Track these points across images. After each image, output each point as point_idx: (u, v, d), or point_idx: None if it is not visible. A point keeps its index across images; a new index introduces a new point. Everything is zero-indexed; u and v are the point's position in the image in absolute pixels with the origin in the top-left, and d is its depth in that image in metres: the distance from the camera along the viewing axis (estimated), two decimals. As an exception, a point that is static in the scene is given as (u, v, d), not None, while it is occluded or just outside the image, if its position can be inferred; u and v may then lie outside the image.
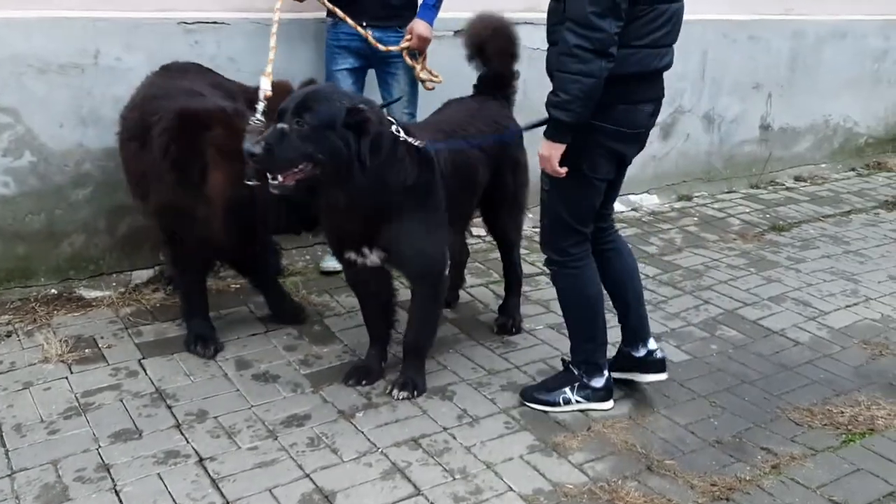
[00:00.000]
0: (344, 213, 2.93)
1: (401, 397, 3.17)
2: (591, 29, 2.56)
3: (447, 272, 3.18)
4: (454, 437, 2.96)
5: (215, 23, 4.00)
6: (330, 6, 3.91)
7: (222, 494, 2.60)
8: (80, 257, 3.94)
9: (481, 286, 4.26)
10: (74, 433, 2.89)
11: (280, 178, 2.72)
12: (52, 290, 3.85)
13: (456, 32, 4.26)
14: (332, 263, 4.23)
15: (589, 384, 3.14)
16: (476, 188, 3.34)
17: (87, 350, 3.42)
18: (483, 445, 2.92)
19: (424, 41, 3.99)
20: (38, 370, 3.26)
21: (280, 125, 2.71)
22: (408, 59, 4.04)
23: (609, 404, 3.18)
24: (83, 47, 3.72)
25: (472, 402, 3.19)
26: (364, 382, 3.26)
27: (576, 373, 3.14)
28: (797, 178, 6.56)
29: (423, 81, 4.09)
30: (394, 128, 2.89)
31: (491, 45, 3.58)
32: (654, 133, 5.70)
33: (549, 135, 2.76)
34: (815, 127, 6.75)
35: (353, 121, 2.72)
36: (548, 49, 2.87)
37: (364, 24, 3.96)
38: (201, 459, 2.77)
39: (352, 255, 3.07)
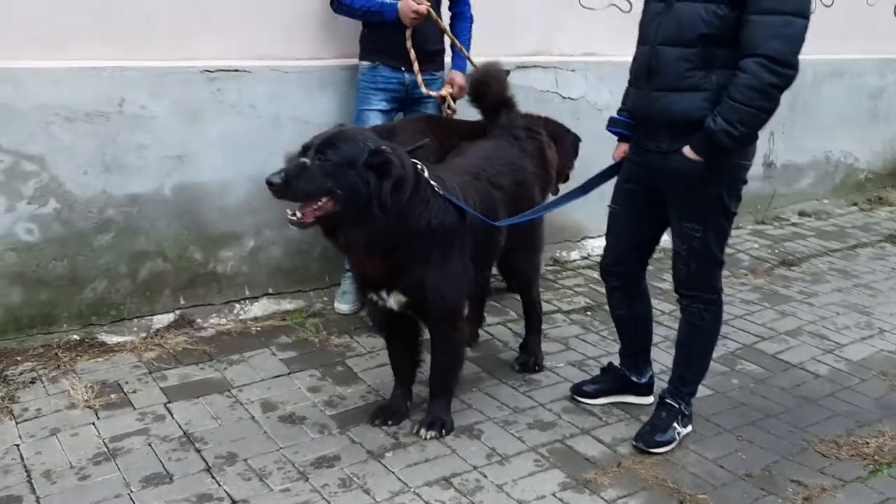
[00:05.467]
0: (365, 254, 2.96)
1: (429, 437, 3.17)
2: (790, 67, 2.67)
3: (465, 313, 3.22)
4: (485, 476, 2.96)
5: (237, 70, 4.08)
6: (412, 57, 4.09)
7: (258, 537, 2.60)
8: (102, 303, 3.95)
9: (499, 325, 4.29)
10: (105, 478, 2.88)
11: (299, 213, 2.77)
12: (75, 336, 3.86)
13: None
14: (345, 306, 4.28)
15: (687, 413, 3.22)
16: (502, 230, 3.38)
17: (112, 395, 3.42)
18: (515, 484, 2.92)
19: (463, 89, 4.20)
20: (64, 416, 3.26)
21: (302, 159, 2.77)
22: (450, 104, 4.25)
23: (691, 426, 3.27)
24: (109, 96, 3.78)
25: (501, 441, 3.19)
26: (390, 423, 3.27)
27: (677, 405, 3.20)
28: (801, 214, 6.64)
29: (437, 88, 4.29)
30: (420, 168, 2.95)
31: (490, 94, 3.68)
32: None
33: (703, 154, 2.79)
34: (816, 163, 6.86)
35: (376, 162, 2.77)
36: (652, 93, 2.91)
37: (402, 68, 4.12)
38: (234, 502, 2.77)
39: (373, 296, 3.11)
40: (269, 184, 2.73)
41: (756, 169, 6.43)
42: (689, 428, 3.28)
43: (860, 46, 6.79)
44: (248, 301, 4.33)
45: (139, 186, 3.93)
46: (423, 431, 3.19)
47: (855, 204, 7.03)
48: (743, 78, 2.69)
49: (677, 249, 3.08)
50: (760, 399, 3.61)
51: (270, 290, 4.40)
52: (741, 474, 3.03)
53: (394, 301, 3.08)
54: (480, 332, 4.12)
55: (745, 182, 3.00)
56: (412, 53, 4.08)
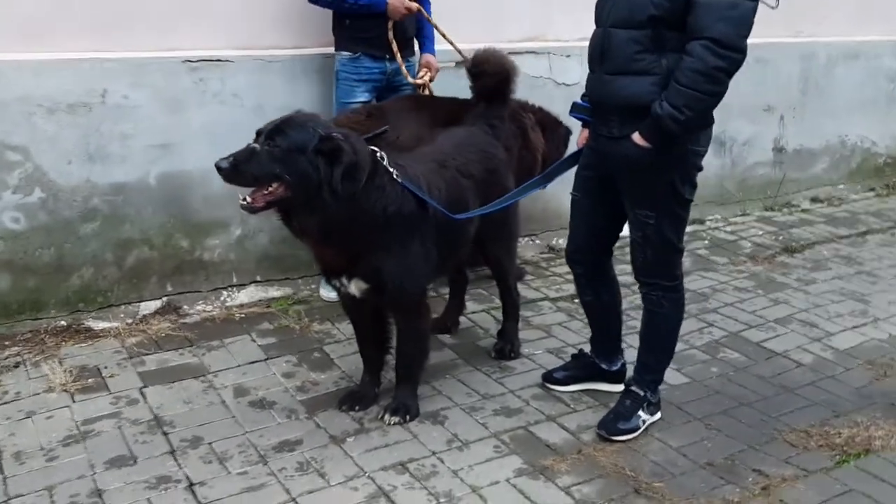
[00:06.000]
0: (319, 241, 2.97)
1: (392, 422, 3.19)
2: (735, 51, 2.62)
3: (426, 300, 3.23)
4: (442, 462, 2.97)
5: (219, 60, 4.13)
6: (395, 48, 4.12)
7: (208, 518, 2.65)
8: (88, 289, 4.04)
9: (482, 312, 4.28)
10: (71, 460, 2.96)
11: (249, 198, 2.80)
12: (62, 322, 3.96)
13: (457, 63, 4.36)
14: (331, 294, 4.30)
15: (653, 401, 3.19)
16: (472, 219, 3.36)
17: (90, 380, 3.51)
18: (471, 469, 2.93)
19: (438, 71, 4.28)
20: (41, 399, 3.35)
21: (252, 144, 2.79)
22: (428, 89, 4.27)
23: (659, 414, 3.24)
24: (91, 87, 3.86)
25: (464, 427, 3.20)
26: (357, 408, 3.29)
27: (642, 393, 3.17)
28: (814, 200, 6.49)
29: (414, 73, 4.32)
30: (378, 155, 2.95)
31: (492, 77, 3.63)
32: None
33: (652, 140, 2.75)
34: (830, 148, 6.68)
35: (326, 148, 2.77)
36: (604, 76, 2.88)
37: (387, 56, 4.14)
38: (191, 484, 2.82)
39: (335, 282, 3.13)
40: (218, 168, 2.77)
41: (765, 154, 6.37)
42: (657, 416, 3.25)
43: (877, 27, 6.59)
44: (235, 288, 4.39)
45: (124, 175, 4.01)
46: (387, 417, 3.21)
47: (872, 189, 6.84)
48: (688, 61, 2.64)
49: (633, 237, 3.04)
50: (737, 387, 3.55)
51: (258, 278, 4.45)
52: (702, 463, 2.99)
53: (355, 287, 3.09)
54: (462, 319, 4.13)
55: (699, 168, 2.95)
56: (394, 45, 4.09)
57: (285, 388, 3.49)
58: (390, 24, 4.07)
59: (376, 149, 2.99)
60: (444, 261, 3.26)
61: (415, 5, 4.03)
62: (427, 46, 4.35)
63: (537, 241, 5.32)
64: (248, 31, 4.22)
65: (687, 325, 4.10)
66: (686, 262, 5.04)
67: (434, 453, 3.02)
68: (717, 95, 2.70)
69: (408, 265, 3.05)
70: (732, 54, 2.62)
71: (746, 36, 2.64)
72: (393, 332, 3.34)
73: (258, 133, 2.84)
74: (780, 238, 5.57)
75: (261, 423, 3.22)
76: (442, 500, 2.75)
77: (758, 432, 3.19)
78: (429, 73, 4.25)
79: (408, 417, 3.21)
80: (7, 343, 3.78)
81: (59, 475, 2.86)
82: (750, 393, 3.50)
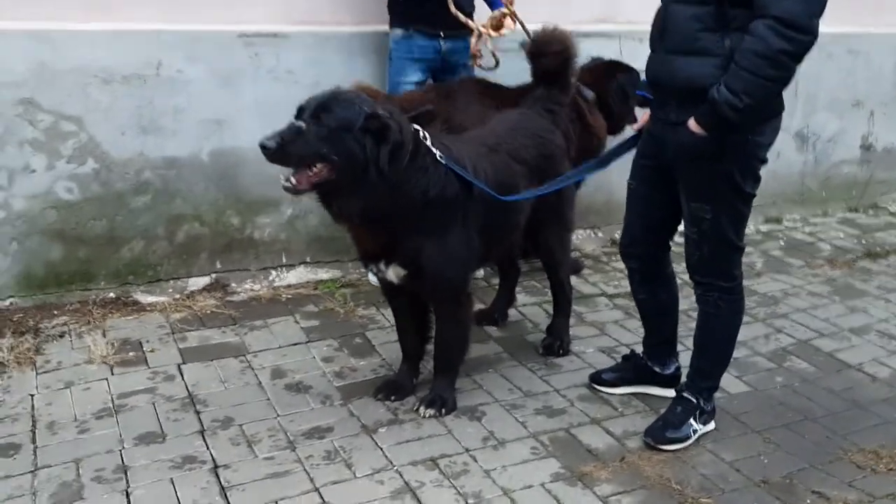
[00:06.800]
0: (360, 224, 2.85)
1: (427, 415, 3.06)
2: (803, 32, 2.36)
3: (468, 289, 3.08)
4: (475, 460, 2.82)
5: (275, 35, 4.05)
6: (459, 14, 3.89)
7: (228, 503, 2.57)
8: (138, 263, 4.04)
9: (534, 305, 4.11)
10: (103, 433, 2.93)
11: (294, 179, 2.68)
12: (111, 294, 3.97)
13: (521, 44, 4.17)
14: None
15: (706, 409, 2.99)
16: (520, 205, 3.20)
17: (131, 353, 3.49)
18: (504, 470, 2.77)
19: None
20: (81, 371, 3.34)
21: (297, 122, 2.66)
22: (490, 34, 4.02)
23: (713, 423, 3.04)
24: (146, 59, 3.83)
25: (502, 425, 3.04)
26: (393, 398, 3.18)
27: (694, 401, 2.96)
28: (903, 202, 6.07)
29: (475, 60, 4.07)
30: (421, 135, 2.81)
31: (553, 58, 3.45)
32: (739, 151, 5.46)
33: (707, 127, 2.53)
34: (925, 148, 6.22)
35: (373, 126, 2.65)
36: (664, 56, 2.66)
37: (441, 34, 3.99)
38: (216, 466, 2.75)
39: (373, 268, 3.01)
40: (263, 147, 2.64)
41: (852, 151, 5.98)
42: (711, 426, 3.03)
43: None
44: (284, 268, 4.33)
45: (176, 149, 3.98)
46: (422, 409, 3.08)
47: (972, 194, 6.34)
48: (750, 42, 2.39)
49: (688, 232, 2.81)
50: (802, 400, 3.29)
51: (308, 259, 4.38)
52: (757, 480, 2.76)
53: (393, 273, 2.97)
54: (512, 311, 3.96)
55: (762, 161, 2.69)
56: (461, 16, 3.90)
57: (323, 372, 3.40)
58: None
59: (419, 128, 2.85)
60: (488, 249, 3.10)
61: None
62: (496, 4, 4.10)
63: (599, 235, 5.11)
64: (305, 5, 4.13)
65: (753, 330, 3.90)
66: (758, 262, 4.82)
67: (467, 450, 2.88)
68: (781, 81, 2.45)
69: (448, 251, 2.91)
70: (799, 35, 2.35)
71: (817, 15, 2.38)
72: (433, 320, 3.21)
73: (300, 109, 2.72)
74: (863, 242, 5.21)
75: (294, 407, 3.13)
76: (470, 500, 2.61)
77: (821, 450, 2.94)
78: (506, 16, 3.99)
79: (443, 411, 3.08)
80: (56, 312, 3.81)
81: (88, 448, 2.84)
82: (816, 407, 3.24)
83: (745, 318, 3.94)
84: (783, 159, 5.72)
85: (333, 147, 2.65)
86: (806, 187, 5.84)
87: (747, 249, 4.95)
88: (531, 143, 3.29)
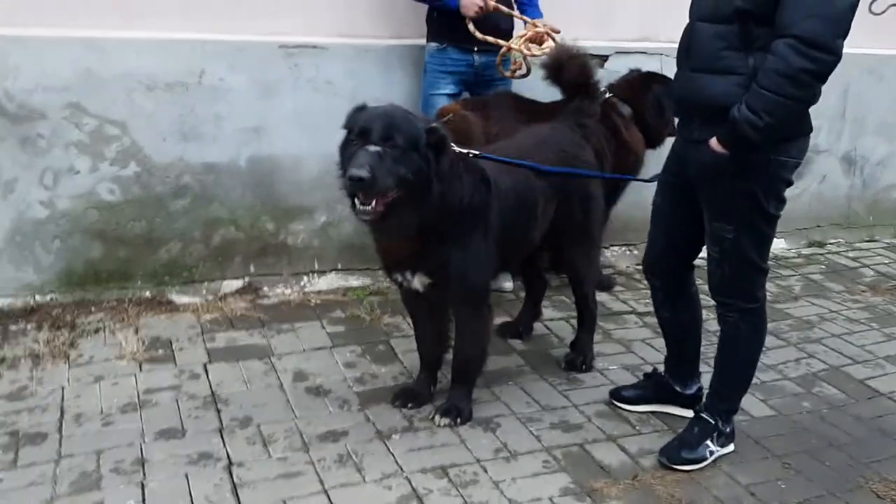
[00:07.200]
0: (405, 237, 2.84)
1: (442, 423, 3.08)
2: (826, 52, 2.33)
3: (489, 299, 3.09)
4: (485, 471, 2.83)
5: (315, 47, 4.14)
6: (480, 35, 3.94)
7: (238, 500, 2.62)
8: (175, 264, 4.16)
9: (561, 320, 4.09)
10: (125, 427, 3.02)
11: (372, 204, 2.62)
12: (147, 293, 4.09)
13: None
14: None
15: (725, 431, 2.95)
16: (537, 218, 3.21)
17: (160, 351, 3.59)
18: (513, 482, 2.77)
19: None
20: (111, 366, 3.45)
21: (374, 148, 2.61)
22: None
23: (732, 446, 3.00)
24: (190, 67, 3.95)
25: (516, 437, 3.04)
26: (410, 405, 3.20)
27: (713, 422, 2.93)
28: (957, 231, 5.87)
29: (508, 65, 4.06)
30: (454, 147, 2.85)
31: (566, 74, 3.47)
32: (783, 172, 5.36)
33: (728, 144, 2.51)
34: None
35: (433, 140, 2.68)
36: (689, 73, 2.65)
37: (475, 48, 4.03)
38: (230, 464, 2.81)
39: (398, 277, 3.04)
40: (359, 179, 2.54)
41: (897, 175, 5.80)
42: (730, 448, 2.98)
43: None
44: (315, 274, 4.40)
45: (215, 156, 4.09)
46: (437, 418, 3.10)
47: None
48: (771, 61, 2.37)
49: (710, 251, 2.78)
50: (828, 426, 3.22)
51: (339, 266, 4.45)
52: (771, 505, 2.71)
53: (418, 282, 3.00)
54: (539, 325, 3.96)
55: (787, 182, 2.63)
56: (477, 34, 3.93)
57: (344, 377, 3.44)
58: (469, 20, 3.93)
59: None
60: (503, 261, 3.11)
61: (491, 3, 3.88)
62: (529, 13, 4.14)
63: (634, 252, 5.06)
64: (345, 18, 4.21)
65: (783, 354, 3.83)
66: (796, 286, 4.73)
67: (478, 461, 2.88)
68: (803, 101, 2.42)
69: (473, 260, 2.94)
70: (821, 55, 2.32)
71: (841, 36, 2.34)
72: (453, 330, 3.23)
73: (365, 132, 2.65)
74: (910, 269, 5.07)
75: (312, 409, 3.18)
76: (476, 510, 2.62)
77: (842, 477, 2.87)
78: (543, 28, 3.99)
79: (459, 420, 3.09)
80: (93, 309, 3.93)
81: (110, 440, 2.93)
82: (842, 434, 3.16)
83: (777, 342, 3.95)
84: (829, 182, 5.62)
85: (409, 167, 2.65)
86: (852, 211, 5.70)
87: (786, 272, 4.94)
88: (556, 157, 3.29)
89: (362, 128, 2.67)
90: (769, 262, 2.83)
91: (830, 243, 5.50)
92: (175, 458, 2.83)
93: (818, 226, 5.62)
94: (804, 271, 4.99)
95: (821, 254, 5.32)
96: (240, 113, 4.08)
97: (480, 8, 3.86)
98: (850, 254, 5.35)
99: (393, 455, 2.89)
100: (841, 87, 5.30)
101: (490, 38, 3.94)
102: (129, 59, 3.85)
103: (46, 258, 3.93)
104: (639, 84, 4.24)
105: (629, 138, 4.14)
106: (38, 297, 3.92)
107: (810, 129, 2.62)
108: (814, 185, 5.57)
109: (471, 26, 3.91)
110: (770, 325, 4.06)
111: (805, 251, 5.35)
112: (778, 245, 5.38)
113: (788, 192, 5.23)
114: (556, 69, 3.53)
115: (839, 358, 3.81)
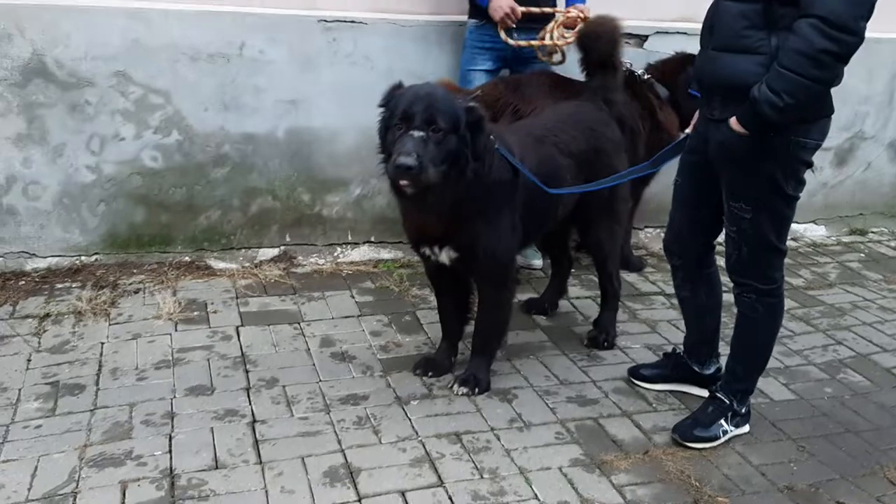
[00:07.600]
0: (438, 212, 2.89)
1: (460, 392, 3.16)
2: (848, 33, 2.31)
3: (514, 272, 3.14)
4: (498, 439, 2.90)
5: (353, 22, 4.21)
6: (513, 42, 3.99)
7: (259, 454, 2.74)
8: (214, 230, 4.30)
9: (588, 299, 4.13)
10: (158, 383, 3.16)
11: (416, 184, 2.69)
12: (186, 258, 4.24)
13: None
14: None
15: (739, 411, 2.98)
16: (559, 196, 3.24)
17: (195, 312, 3.73)
18: (524, 451, 2.84)
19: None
20: (148, 325, 3.60)
21: (418, 133, 2.66)
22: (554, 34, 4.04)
23: (747, 427, 3.02)
24: (231, 39, 4.06)
25: (531, 409, 3.10)
26: (430, 374, 3.28)
27: (727, 402, 2.96)
28: None
29: (545, 51, 4.09)
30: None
31: (595, 49, 3.47)
32: (826, 158, 5.28)
33: (748, 126, 2.51)
34: None
35: (472, 119, 2.73)
36: (711, 52, 2.65)
37: (514, 26, 4.04)
38: (254, 421, 2.93)
39: (426, 251, 3.11)
40: (407, 168, 2.59)
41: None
42: (745, 429, 3.00)
43: None
44: (348, 246, 4.50)
45: (254, 126, 4.21)
46: (455, 387, 3.18)
47: None
48: (793, 41, 2.35)
49: (728, 231, 2.78)
50: (849, 413, 3.20)
51: (372, 238, 4.54)
52: (781, 486, 2.72)
53: (445, 256, 3.06)
54: (565, 303, 4.00)
55: (807, 164, 2.62)
56: (516, 43, 3.98)
57: (369, 345, 3.54)
58: (499, 27, 3.97)
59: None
60: (526, 235, 3.16)
61: (519, 10, 3.89)
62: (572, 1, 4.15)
63: (652, 232, 5.05)
64: (386, -6, 4.27)
65: (811, 340, 3.82)
66: (832, 273, 4.68)
67: (492, 429, 2.95)
68: (824, 82, 2.40)
69: (500, 234, 3.00)
70: (844, 36, 2.30)
71: (864, 17, 2.32)
72: (475, 302, 3.29)
73: (408, 117, 2.68)
74: (953, 260, 4.96)
75: (336, 374, 3.29)
76: (486, 475, 2.69)
77: (856, 463, 2.87)
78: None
79: (476, 390, 3.16)
80: (135, 271, 4.10)
81: (143, 394, 3.07)
82: (861, 420, 3.15)
83: (805, 328, 3.94)
84: (874, 170, 5.52)
85: (452, 149, 2.71)
86: (898, 200, 5.59)
87: (823, 260, 4.89)
88: (581, 135, 3.32)
89: (405, 111, 2.70)
90: (787, 244, 2.81)
91: (873, 231, 5.40)
92: (202, 414, 2.97)
93: (861, 214, 5.53)
94: (842, 259, 4.92)
95: (861, 242, 5.23)
96: (278, 85, 4.18)
97: (507, 15, 3.88)
98: (892, 243, 5.25)
99: (410, 420, 2.98)
100: (889, 73, 5.16)
101: (523, 43, 3.98)
102: (173, 30, 3.97)
103: (92, 221, 4.10)
104: (674, 66, 4.22)
105: (664, 119, 4.13)
106: (83, 258, 4.10)
107: (832, 111, 2.60)
108: (858, 173, 5.47)
109: (502, 34, 3.95)
110: (800, 312, 4.12)
111: (845, 239, 5.27)
112: (817, 232, 5.31)
113: (829, 179, 5.18)
114: (591, 39, 3.52)
115: (868, 346, 3.78)
